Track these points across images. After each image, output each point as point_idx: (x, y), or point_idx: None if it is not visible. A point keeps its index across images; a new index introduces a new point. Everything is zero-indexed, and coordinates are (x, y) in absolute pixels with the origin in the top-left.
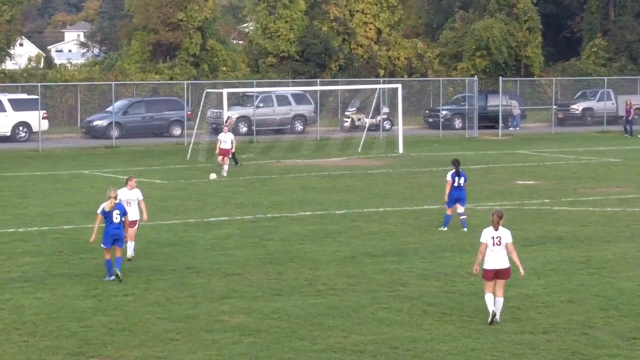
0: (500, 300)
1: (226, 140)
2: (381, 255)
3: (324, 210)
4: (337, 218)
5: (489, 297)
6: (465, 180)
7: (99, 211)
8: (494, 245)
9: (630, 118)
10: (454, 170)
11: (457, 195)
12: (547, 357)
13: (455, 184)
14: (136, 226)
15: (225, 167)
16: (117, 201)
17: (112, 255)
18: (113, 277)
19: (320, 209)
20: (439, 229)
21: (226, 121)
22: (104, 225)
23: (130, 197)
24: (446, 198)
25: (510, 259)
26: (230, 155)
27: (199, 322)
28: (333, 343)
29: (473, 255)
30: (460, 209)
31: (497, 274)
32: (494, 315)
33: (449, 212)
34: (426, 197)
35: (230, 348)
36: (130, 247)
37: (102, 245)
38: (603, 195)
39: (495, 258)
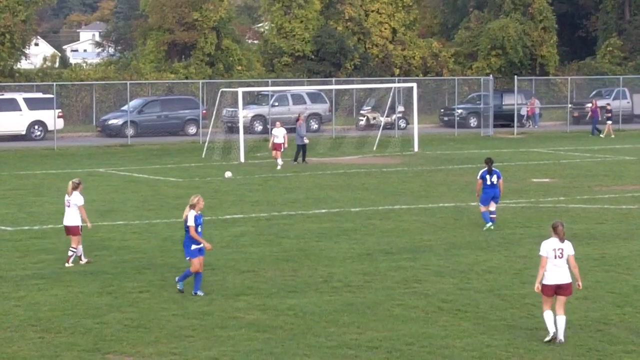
0: (563, 318)
1: (278, 134)
2: (396, 253)
3: (339, 208)
4: (352, 216)
5: (548, 315)
6: (498, 178)
7: (190, 223)
8: (555, 258)
9: (597, 118)
10: (485, 169)
11: (492, 194)
12: (562, 354)
13: (488, 182)
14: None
15: (279, 160)
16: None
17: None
18: (180, 288)
19: (336, 207)
20: (484, 228)
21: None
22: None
23: (71, 201)
24: (477, 196)
25: (571, 272)
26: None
27: (214, 318)
28: (348, 340)
29: (488, 253)
30: (492, 207)
31: (559, 290)
32: (555, 337)
33: (483, 209)
34: (441, 195)
35: (245, 344)
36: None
37: (186, 257)
38: (618, 193)
39: (557, 272)
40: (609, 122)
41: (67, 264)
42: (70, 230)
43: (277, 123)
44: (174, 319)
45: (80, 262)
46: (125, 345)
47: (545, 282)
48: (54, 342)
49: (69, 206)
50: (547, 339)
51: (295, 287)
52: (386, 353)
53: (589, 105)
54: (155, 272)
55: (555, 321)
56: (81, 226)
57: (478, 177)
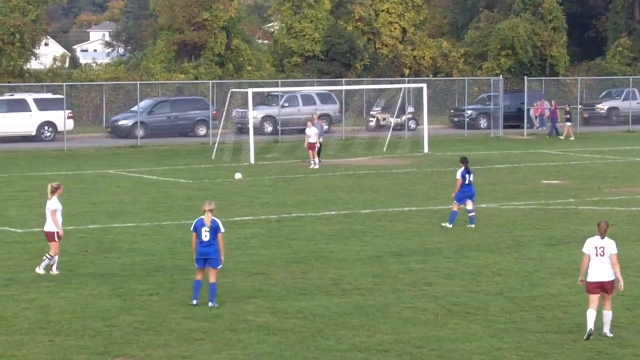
0: (609, 313)
1: (310, 134)
2: (406, 255)
3: (349, 210)
4: (362, 217)
5: (590, 313)
6: (472, 177)
7: (191, 228)
8: (597, 255)
9: (556, 119)
10: (463, 168)
11: (469, 192)
12: (572, 357)
13: (467, 182)
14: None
15: (316, 159)
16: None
17: (205, 278)
18: (196, 303)
19: (346, 209)
20: (443, 224)
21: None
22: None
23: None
24: (454, 195)
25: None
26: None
27: (224, 321)
28: (358, 342)
29: (498, 255)
30: (469, 205)
31: (603, 287)
32: (591, 335)
33: (455, 208)
34: (451, 197)
35: (255, 347)
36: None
37: (194, 265)
38: (628, 195)
39: (600, 270)
40: (568, 123)
41: (51, 271)
42: (46, 237)
43: (309, 123)
44: (184, 321)
45: (51, 271)
46: (135, 348)
47: (589, 279)
48: (63, 345)
49: (46, 211)
50: (585, 336)
51: (305, 289)
52: (396, 356)
53: (599, 106)
54: (165, 275)
55: (602, 316)
56: (57, 232)
57: (458, 177)
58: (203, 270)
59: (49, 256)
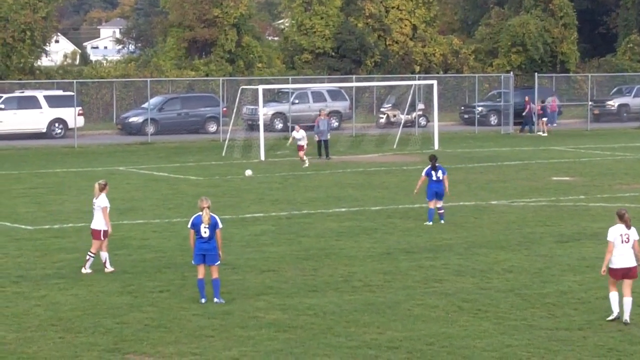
0: (629, 300)
1: (299, 137)
2: (416, 252)
3: (359, 207)
4: (372, 214)
5: (613, 296)
6: (443, 174)
7: (189, 225)
8: (622, 243)
9: (530, 114)
10: (429, 166)
11: (436, 189)
12: (582, 354)
13: (434, 178)
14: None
15: (305, 157)
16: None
17: (207, 275)
18: (204, 301)
19: (356, 205)
20: (425, 224)
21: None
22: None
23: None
24: (416, 191)
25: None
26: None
27: (235, 318)
28: (368, 339)
29: (509, 252)
30: (438, 203)
31: (626, 273)
32: (619, 317)
33: (431, 205)
34: (461, 194)
35: (266, 344)
36: (103, 258)
37: (192, 262)
38: (639, 192)
39: (624, 257)
40: (544, 119)
41: (83, 269)
42: (92, 234)
43: (297, 127)
44: (195, 318)
45: (105, 269)
46: (146, 345)
47: (612, 266)
48: (74, 342)
49: (94, 209)
50: (610, 318)
51: (315, 286)
52: (406, 353)
53: (609, 102)
54: (175, 272)
55: (622, 303)
56: (104, 231)
57: (423, 174)
58: (203, 266)
59: (91, 254)
